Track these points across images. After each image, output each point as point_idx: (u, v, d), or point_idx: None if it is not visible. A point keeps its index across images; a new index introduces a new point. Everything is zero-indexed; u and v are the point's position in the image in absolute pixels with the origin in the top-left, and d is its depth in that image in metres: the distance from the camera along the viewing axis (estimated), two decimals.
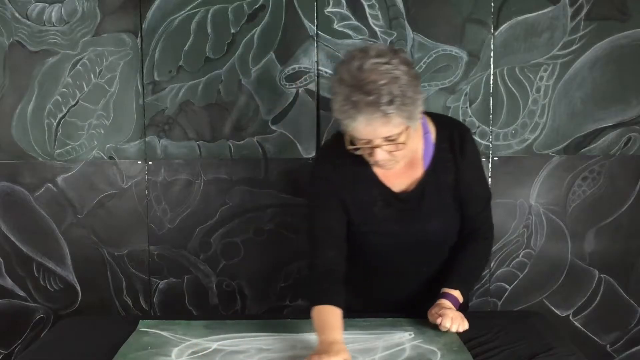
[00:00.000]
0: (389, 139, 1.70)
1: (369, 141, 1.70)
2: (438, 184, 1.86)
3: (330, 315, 1.72)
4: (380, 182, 1.86)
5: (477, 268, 1.97)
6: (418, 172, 1.86)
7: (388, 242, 1.89)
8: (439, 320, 1.76)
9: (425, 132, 1.86)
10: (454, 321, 1.76)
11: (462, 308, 1.89)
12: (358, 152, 1.75)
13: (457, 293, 1.86)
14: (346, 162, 1.83)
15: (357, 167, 1.83)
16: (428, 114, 1.91)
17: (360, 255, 1.93)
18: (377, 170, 1.85)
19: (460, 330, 1.76)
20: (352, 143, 1.75)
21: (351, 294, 1.99)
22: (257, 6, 2.57)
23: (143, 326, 1.86)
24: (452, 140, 1.86)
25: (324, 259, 1.84)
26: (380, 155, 1.72)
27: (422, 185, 1.86)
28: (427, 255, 1.94)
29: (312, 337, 1.75)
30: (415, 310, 1.90)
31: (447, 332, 1.77)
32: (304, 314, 1.79)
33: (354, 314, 1.88)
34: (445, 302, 1.83)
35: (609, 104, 2.59)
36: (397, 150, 1.72)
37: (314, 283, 1.82)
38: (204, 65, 2.60)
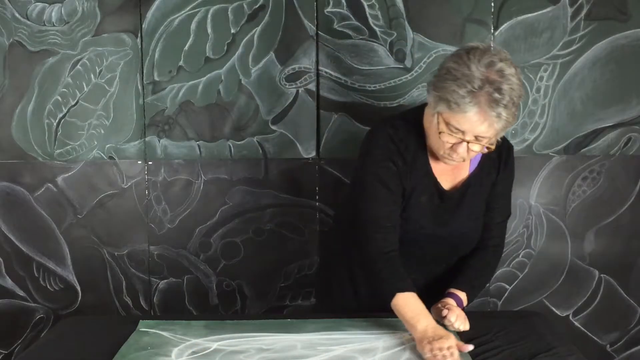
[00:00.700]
0: (479, 137, 1.71)
1: (464, 133, 1.70)
2: (479, 188, 1.90)
3: (417, 303, 1.74)
4: (432, 174, 1.87)
5: (483, 275, 1.98)
6: (464, 173, 1.90)
7: (423, 234, 1.90)
8: (444, 312, 1.76)
9: None
10: (459, 318, 1.76)
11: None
12: (444, 139, 1.74)
13: (462, 295, 1.87)
14: (409, 147, 1.84)
15: (417, 154, 1.84)
16: None
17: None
18: (432, 163, 1.86)
19: (462, 329, 1.76)
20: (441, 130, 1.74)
21: (341, 294, 2.02)
22: (257, 6, 2.57)
23: (143, 326, 1.86)
24: (501, 151, 1.88)
25: (387, 242, 1.82)
26: (463, 149, 1.73)
27: (466, 186, 1.89)
28: (450, 254, 1.96)
29: (312, 337, 1.76)
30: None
31: (449, 330, 1.77)
32: (304, 314, 1.79)
33: (354, 313, 1.88)
34: (451, 301, 1.83)
35: (609, 104, 2.59)
36: (480, 151, 1.75)
37: (385, 269, 1.80)
38: (204, 65, 2.60)
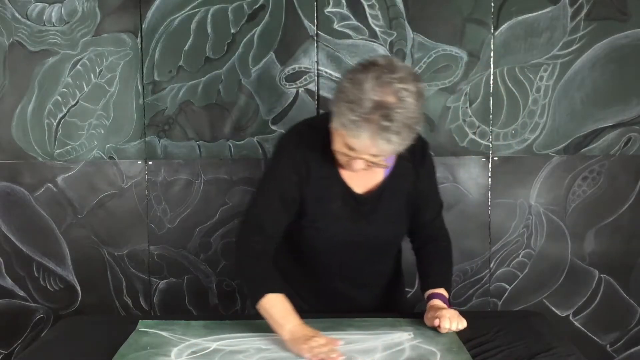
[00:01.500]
0: (377, 157, 1.69)
1: (355, 151, 1.69)
2: (396, 190, 1.88)
3: (286, 303, 1.74)
4: (343, 180, 1.85)
5: (446, 262, 1.99)
6: (379, 176, 1.87)
7: (339, 240, 1.88)
8: (436, 323, 1.76)
9: None
10: (452, 320, 1.76)
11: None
12: (338, 156, 1.74)
13: (442, 290, 1.88)
14: (315, 155, 1.81)
15: (324, 162, 1.82)
16: None
17: (309, 252, 1.93)
18: (341, 169, 1.84)
19: (460, 327, 1.76)
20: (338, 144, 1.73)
21: (305, 293, 2.01)
22: (257, 6, 2.57)
23: (143, 326, 1.86)
24: (414, 150, 1.82)
25: (262, 247, 1.81)
26: (359, 165, 1.72)
27: (381, 189, 1.87)
28: (374, 257, 1.95)
29: None
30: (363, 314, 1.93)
31: (447, 332, 1.77)
32: (304, 314, 1.79)
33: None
34: (437, 303, 1.84)
35: (609, 104, 2.59)
36: (377, 165, 1.74)
37: (255, 271, 1.79)
38: (204, 65, 2.60)
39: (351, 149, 1.69)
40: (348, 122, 1.62)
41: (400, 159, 1.85)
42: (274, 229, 1.83)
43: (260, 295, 1.74)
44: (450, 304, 1.88)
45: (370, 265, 1.96)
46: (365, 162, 1.72)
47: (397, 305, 2.07)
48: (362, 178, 1.85)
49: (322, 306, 1.97)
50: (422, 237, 1.99)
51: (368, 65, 1.64)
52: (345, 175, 1.85)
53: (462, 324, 1.77)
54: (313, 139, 1.81)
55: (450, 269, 2.00)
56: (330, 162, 1.82)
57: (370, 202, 1.86)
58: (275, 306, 1.73)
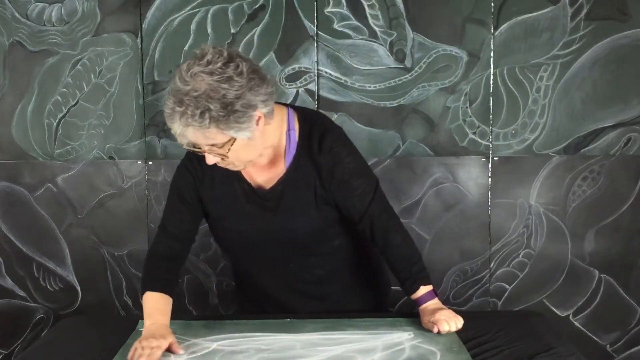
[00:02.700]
0: (214, 147, 1.65)
1: (195, 145, 1.66)
2: (297, 184, 1.81)
3: (158, 302, 1.77)
4: (242, 177, 1.83)
5: (411, 257, 1.85)
6: (280, 169, 1.82)
7: (253, 238, 1.86)
8: (435, 330, 1.75)
9: (290, 129, 1.80)
10: (449, 321, 1.75)
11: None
12: (197, 153, 1.72)
13: (425, 288, 1.82)
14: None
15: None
16: (296, 108, 1.86)
17: (233, 252, 1.96)
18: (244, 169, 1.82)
19: (459, 326, 1.76)
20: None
21: (248, 295, 2.04)
22: (257, 6, 2.57)
23: (143, 326, 1.86)
24: (311, 139, 1.79)
25: (165, 247, 1.84)
26: (210, 160, 1.69)
27: (282, 183, 1.81)
28: (294, 251, 1.89)
29: (311, 337, 1.76)
30: (295, 308, 1.94)
31: (448, 332, 1.77)
32: (304, 314, 1.79)
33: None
34: (427, 305, 1.80)
35: (609, 104, 2.59)
36: (226, 156, 1.68)
37: (149, 269, 1.84)
38: None
39: (187, 143, 1.66)
40: (166, 119, 1.63)
41: (300, 149, 1.80)
42: (177, 228, 1.86)
43: (143, 292, 1.80)
44: (449, 301, 1.86)
45: (296, 261, 1.91)
46: (214, 155, 1.67)
47: (377, 307, 2.03)
48: (264, 173, 1.82)
49: (272, 305, 1.99)
50: (365, 230, 1.85)
51: (189, 59, 1.63)
52: (248, 173, 1.82)
53: (459, 322, 1.76)
54: None
55: (415, 260, 1.85)
56: None
57: (272, 196, 1.82)
58: (146, 303, 1.78)
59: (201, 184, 1.83)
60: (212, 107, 1.56)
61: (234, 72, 1.58)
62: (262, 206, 1.83)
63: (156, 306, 1.77)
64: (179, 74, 1.60)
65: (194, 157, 1.81)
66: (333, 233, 1.91)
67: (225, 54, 1.60)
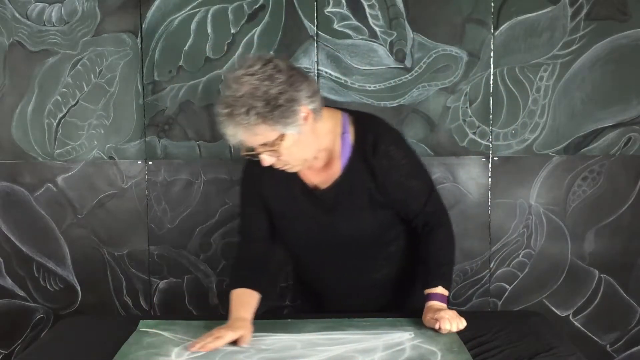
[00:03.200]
0: (266, 146, 1.71)
1: (252, 149, 1.73)
2: (352, 186, 1.86)
3: (243, 295, 1.84)
4: (299, 179, 1.89)
5: (445, 256, 1.92)
6: (335, 171, 1.86)
7: (311, 238, 1.93)
8: (437, 326, 1.76)
9: (344, 132, 1.85)
10: (451, 321, 1.76)
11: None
12: (242, 154, 1.78)
13: (439, 289, 1.85)
14: None
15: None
16: (351, 112, 1.90)
17: (294, 250, 2.02)
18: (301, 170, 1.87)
19: (461, 327, 1.76)
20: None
21: (307, 299, 2.10)
22: (257, 6, 2.57)
23: (143, 326, 1.86)
24: (365, 142, 1.84)
25: (246, 250, 1.94)
26: (265, 160, 1.75)
27: (336, 185, 1.86)
28: (350, 251, 1.94)
29: (311, 337, 1.76)
30: (366, 310, 1.95)
31: (448, 332, 1.77)
32: (304, 314, 1.79)
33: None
34: (434, 304, 1.83)
35: (609, 104, 2.59)
36: (280, 155, 1.73)
37: (235, 271, 1.96)
38: (204, 65, 2.60)
39: (243, 148, 1.74)
40: (220, 128, 1.71)
41: (355, 151, 1.84)
42: (252, 231, 1.96)
43: (229, 291, 1.88)
44: (450, 301, 1.87)
45: (358, 260, 1.95)
46: (269, 156, 1.74)
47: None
48: (321, 175, 1.88)
49: (335, 303, 2.02)
50: (419, 226, 1.94)
51: (234, 70, 1.73)
52: (304, 174, 1.88)
53: (461, 324, 1.77)
54: None
55: (446, 260, 1.92)
56: None
57: (328, 197, 1.87)
58: (232, 299, 1.86)
59: (262, 186, 1.91)
60: (255, 104, 1.64)
61: (273, 70, 1.67)
62: (318, 207, 1.88)
63: (238, 300, 1.83)
64: (224, 84, 1.70)
65: (254, 162, 1.83)
66: (389, 238, 1.97)
67: (264, 58, 1.71)
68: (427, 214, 1.92)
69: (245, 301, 1.84)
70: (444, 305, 1.83)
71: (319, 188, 1.88)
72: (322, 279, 2.03)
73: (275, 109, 1.65)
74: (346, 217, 1.88)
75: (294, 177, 1.87)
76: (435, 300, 1.84)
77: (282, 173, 1.84)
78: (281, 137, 1.70)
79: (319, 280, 2.05)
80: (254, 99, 1.64)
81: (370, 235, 1.92)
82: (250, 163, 1.88)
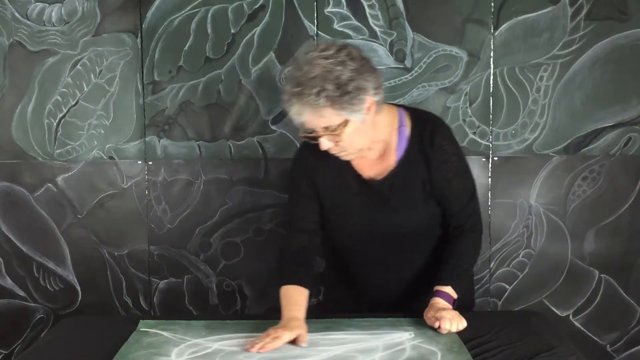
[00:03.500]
0: (328, 130, 1.75)
1: (312, 131, 1.77)
2: (407, 177, 1.89)
3: (294, 294, 1.82)
4: (353, 169, 1.90)
5: (465, 261, 1.95)
6: (390, 163, 1.90)
7: (361, 231, 1.93)
8: (437, 324, 1.76)
9: (401, 126, 1.90)
10: (452, 321, 1.76)
11: (466, 305, 1.94)
12: (301, 136, 1.82)
13: (448, 289, 1.86)
14: (317, 147, 1.85)
15: (327, 154, 1.86)
16: (407, 108, 1.97)
17: (337, 243, 2.01)
18: (354, 160, 1.90)
19: (460, 328, 1.76)
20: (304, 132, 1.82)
21: (343, 291, 2.07)
22: (257, 6, 2.57)
23: (143, 326, 1.86)
24: (423, 134, 1.88)
25: (295, 241, 1.94)
26: (324, 144, 1.78)
27: (392, 176, 1.89)
28: (398, 245, 1.95)
29: (312, 336, 1.76)
30: (404, 307, 1.93)
31: (448, 332, 1.77)
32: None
33: (350, 313, 1.90)
34: (439, 302, 1.83)
35: (609, 104, 2.59)
36: (340, 141, 1.77)
37: (284, 264, 1.92)
38: (204, 65, 2.60)
39: (305, 130, 1.77)
40: (284, 106, 1.76)
41: (411, 144, 1.88)
42: (301, 222, 1.95)
43: (279, 287, 1.86)
44: (469, 303, 1.87)
45: (402, 256, 1.97)
46: (328, 140, 1.77)
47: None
48: (375, 166, 1.90)
49: (370, 301, 2.02)
50: (452, 227, 1.96)
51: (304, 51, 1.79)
52: (358, 165, 1.90)
53: (462, 324, 1.77)
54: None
55: (465, 266, 1.95)
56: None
57: (383, 189, 1.89)
58: (281, 298, 1.83)
59: (315, 174, 1.92)
60: (327, 87, 1.68)
61: (346, 57, 1.72)
62: (372, 199, 1.90)
63: (290, 299, 1.82)
64: (294, 64, 1.76)
65: (307, 149, 1.89)
66: (435, 232, 1.99)
67: (337, 43, 1.78)
68: (463, 217, 1.95)
69: (296, 300, 1.82)
70: (449, 306, 1.83)
71: (374, 179, 1.90)
72: (364, 271, 2.02)
73: (345, 94, 1.69)
74: (400, 208, 1.90)
75: (349, 168, 1.90)
76: (441, 298, 1.84)
77: (338, 164, 1.87)
78: (345, 123, 1.74)
79: (360, 273, 2.03)
80: (326, 82, 1.68)
81: (419, 228, 1.94)
82: (304, 152, 1.93)
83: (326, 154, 1.84)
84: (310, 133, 1.77)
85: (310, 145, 1.85)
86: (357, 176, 1.90)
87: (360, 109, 1.74)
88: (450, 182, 1.92)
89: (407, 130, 1.90)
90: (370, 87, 1.74)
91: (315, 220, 1.96)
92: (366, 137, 1.82)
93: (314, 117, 1.72)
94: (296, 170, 1.98)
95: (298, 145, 2.60)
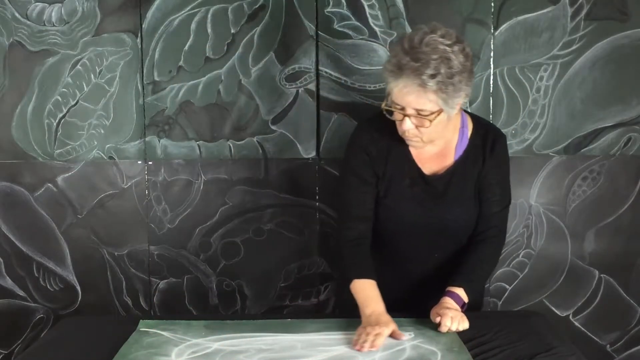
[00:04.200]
0: (420, 112, 1.77)
1: (403, 108, 1.78)
2: (465, 175, 1.93)
3: (370, 288, 1.81)
4: (412, 160, 1.92)
5: (482, 268, 1.98)
6: (449, 161, 1.94)
7: (409, 220, 1.94)
8: (438, 319, 1.76)
9: (463, 127, 1.96)
10: (454, 320, 1.76)
11: (474, 307, 1.95)
12: (391, 116, 1.83)
13: (460, 291, 1.87)
14: (384, 136, 1.91)
15: (393, 142, 1.90)
16: (470, 114, 2.04)
17: (380, 232, 1.99)
18: (412, 150, 1.92)
19: (460, 329, 1.77)
20: (388, 106, 1.82)
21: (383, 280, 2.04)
22: (257, 6, 2.57)
23: (143, 326, 1.86)
24: (486, 140, 1.95)
25: (355, 231, 1.92)
26: (407, 124, 1.80)
27: (451, 172, 1.93)
28: (443, 241, 1.99)
29: (312, 337, 1.76)
30: (420, 303, 1.93)
31: (447, 332, 1.77)
32: (304, 314, 1.80)
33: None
34: (448, 301, 1.84)
35: (609, 104, 2.59)
36: (424, 126, 1.79)
37: (349, 256, 1.90)
38: (204, 65, 2.60)
39: (396, 105, 1.78)
40: (387, 74, 1.77)
41: (472, 146, 1.93)
42: (360, 209, 1.93)
43: (350, 280, 1.84)
44: (477, 305, 1.86)
45: (440, 251, 1.99)
46: (413, 122, 1.79)
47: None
48: (433, 161, 1.93)
49: (391, 292, 1.98)
50: (477, 231, 1.98)
51: (416, 29, 1.79)
52: (417, 157, 1.93)
53: (463, 325, 1.77)
54: (383, 123, 1.89)
55: (481, 273, 1.98)
56: (401, 145, 1.91)
57: (439, 184, 1.92)
58: (358, 293, 1.82)
59: (376, 161, 1.92)
60: (441, 71, 1.70)
61: (462, 52, 1.76)
62: (426, 192, 1.93)
63: (369, 294, 1.81)
64: (409, 40, 1.75)
65: (368, 134, 1.92)
66: (468, 234, 2.01)
67: (454, 34, 1.80)
68: (490, 224, 1.97)
69: (374, 295, 1.82)
70: (456, 306, 1.83)
71: (435, 174, 1.92)
72: (407, 265, 2.02)
73: (451, 85, 1.73)
74: (453, 204, 1.93)
75: (407, 158, 1.91)
76: (451, 298, 1.85)
77: (395, 152, 1.90)
78: (439, 111, 1.77)
79: (403, 268, 2.03)
80: (441, 67, 1.71)
81: (467, 223, 1.97)
82: (365, 136, 1.93)
83: (385, 144, 1.89)
84: (400, 109, 1.78)
85: (370, 133, 1.90)
86: (416, 169, 1.92)
87: (455, 103, 1.79)
88: (491, 186, 1.96)
89: (468, 131, 1.96)
90: (468, 87, 1.81)
91: (371, 207, 1.95)
92: (443, 130, 1.86)
93: (416, 96, 1.74)
94: (356, 157, 1.96)
95: (300, 147, 2.61)
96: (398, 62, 1.74)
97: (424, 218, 1.94)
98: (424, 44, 1.72)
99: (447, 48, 1.73)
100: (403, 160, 1.92)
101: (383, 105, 1.83)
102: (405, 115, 1.79)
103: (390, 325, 1.73)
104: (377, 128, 1.93)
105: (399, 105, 1.79)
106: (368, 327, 1.71)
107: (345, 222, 1.94)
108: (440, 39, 1.74)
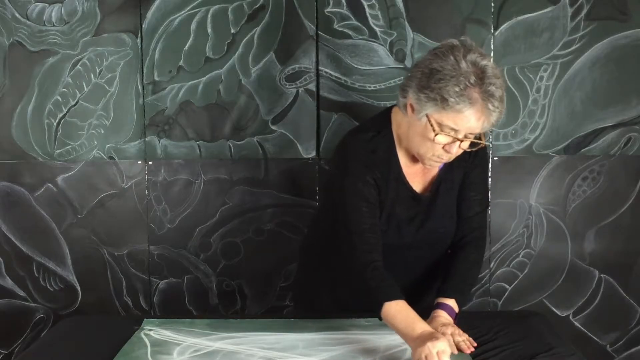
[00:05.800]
0: (475, 136, 1.74)
1: (457, 132, 1.71)
2: (451, 182, 1.90)
3: (407, 310, 1.70)
4: (406, 182, 1.88)
5: (470, 276, 1.94)
6: (433, 172, 1.89)
7: (401, 242, 1.91)
8: (455, 351, 1.71)
9: None
10: (462, 335, 1.72)
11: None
12: (439, 141, 1.73)
13: (452, 302, 1.82)
14: (383, 158, 1.84)
15: (389, 163, 1.85)
16: None
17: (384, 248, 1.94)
18: (404, 168, 1.87)
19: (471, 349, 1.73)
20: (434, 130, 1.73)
21: (350, 292, 2.01)
22: (257, 6, 2.57)
23: (147, 325, 1.86)
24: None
25: (371, 255, 1.81)
26: (456, 150, 1.74)
27: (437, 185, 1.89)
28: (432, 251, 1.96)
29: (314, 336, 1.76)
30: (412, 306, 1.91)
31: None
32: (304, 314, 1.79)
33: (351, 313, 1.89)
34: (442, 315, 1.78)
35: (609, 104, 2.59)
36: (476, 148, 1.77)
37: (371, 280, 1.77)
38: (204, 65, 2.60)
39: (450, 130, 1.70)
40: (455, 96, 1.66)
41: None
42: (373, 233, 1.82)
43: (379, 306, 1.71)
44: (458, 317, 1.84)
45: (426, 262, 1.97)
46: (462, 147, 1.75)
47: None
48: (421, 176, 1.89)
49: None
50: (459, 235, 1.94)
51: (451, 47, 1.72)
52: (408, 176, 1.88)
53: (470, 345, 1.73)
54: (379, 141, 1.84)
55: (470, 281, 1.93)
56: (395, 164, 1.85)
57: (428, 199, 1.89)
58: (397, 314, 1.70)
59: (382, 188, 1.85)
60: (502, 95, 1.71)
61: (502, 81, 1.75)
62: (417, 211, 1.89)
63: (410, 314, 1.69)
64: (462, 57, 1.69)
65: (371, 162, 1.83)
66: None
67: (492, 63, 1.76)
68: (471, 226, 1.94)
69: (413, 314, 1.69)
70: (450, 320, 1.80)
71: (423, 193, 1.89)
72: (393, 273, 1.93)
73: (504, 102, 1.73)
74: (445, 215, 1.91)
75: (401, 180, 1.87)
76: (444, 311, 1.80)
77: (392, 176, 1.84)
78: (485, 133, 1.77)
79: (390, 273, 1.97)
80: (502, 91, 1.71)
81: (449, 235, 1.94)
82: (367, 166, 1.83)
83: (386, 167, 1.83)
84: (453, 134, 1.71)
85: (372, 157, 1.82)
86: (408, 189, 1.87)
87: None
88: (476, 185, 1.93)
89: None
90: None
91: (379, 230, 1.85)
92: None
93: (487, 123, 1.71)
94: (365, 181, 1.83)
95: (300, 147, 2.60)
96: (474, 87, 1.67)
97: (416, 236, 1.90)
98: (495, 77, 1.71)
99: (495, 69, 1.73)
100: (398, 183, 1.87)
101: (434, 131, 1.71)
102: (456, 140, 1.72)
103: (444, 339, 1.61)
104: (375, 147, 1.84)
105: (455, 129, 1.70)
106: (428, 343, 1.57)
107: (363, 245, 1.82)
108: (485, 60, 1.72)
